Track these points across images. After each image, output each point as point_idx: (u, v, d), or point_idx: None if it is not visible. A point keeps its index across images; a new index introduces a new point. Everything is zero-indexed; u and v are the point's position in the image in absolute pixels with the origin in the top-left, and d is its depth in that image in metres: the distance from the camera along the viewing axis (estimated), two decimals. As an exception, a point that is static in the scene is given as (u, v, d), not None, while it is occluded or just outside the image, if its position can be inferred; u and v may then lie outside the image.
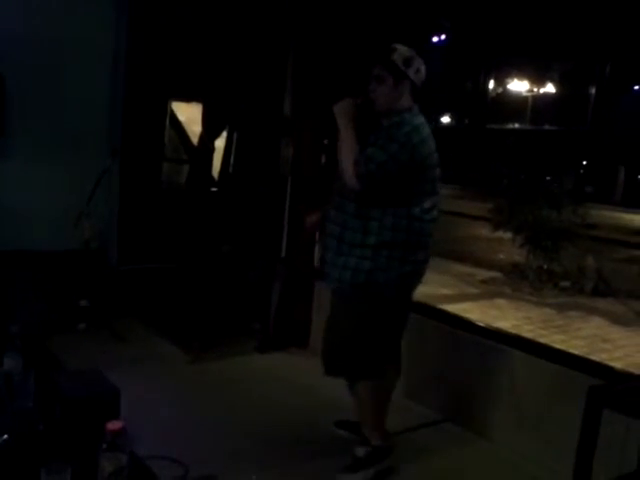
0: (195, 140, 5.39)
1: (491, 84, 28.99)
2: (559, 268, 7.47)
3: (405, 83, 2.74)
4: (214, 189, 5.27)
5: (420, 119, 2.76)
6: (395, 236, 2.69)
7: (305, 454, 3.01)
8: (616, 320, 6.06)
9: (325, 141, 4.30)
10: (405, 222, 2.70)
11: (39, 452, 1.74)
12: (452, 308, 4.91)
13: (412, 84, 2.76)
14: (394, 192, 2.69)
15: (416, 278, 2.87)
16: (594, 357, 4.20)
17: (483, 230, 9.60)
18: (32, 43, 4.18)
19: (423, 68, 2.79)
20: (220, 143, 5.20)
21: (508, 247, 8.30)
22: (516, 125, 28.05)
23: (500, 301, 6.65)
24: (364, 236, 2.70)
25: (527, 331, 5.32)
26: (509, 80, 28.40)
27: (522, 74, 27.68)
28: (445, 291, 6.85)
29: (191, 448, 2.80)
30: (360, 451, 2.91)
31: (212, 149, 5.23)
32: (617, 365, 4.05)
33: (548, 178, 8.57)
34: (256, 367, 4.05)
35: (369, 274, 2.70)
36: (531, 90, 27.83)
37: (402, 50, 2.76)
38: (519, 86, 28.20)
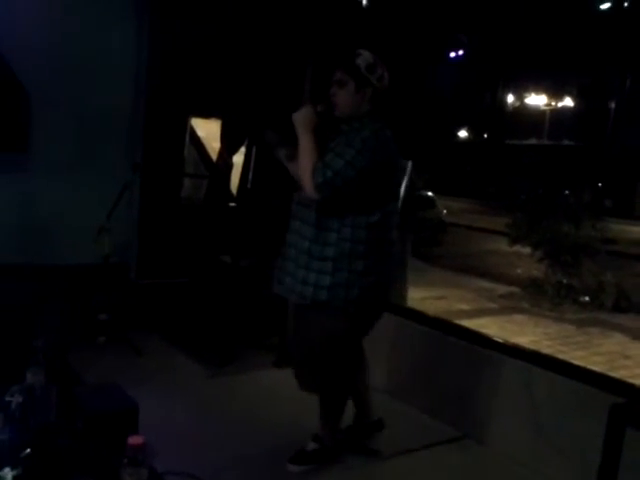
0: (214, 156, 5.44)
1: (509, 98, 28.96)
2: (578, 283, 7.42)
3: (367, 89, 2.68)
4: (232, 204, 5.31)
5: (379, 124, 2.69)
6: (354, 248, 2.62)
7: (323, 471, 3.00)
8: (637, 336, 5.99)
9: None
10: (364, 232, 2.63)
11: (61, 466, 1.76)
12: (470, 323, 4.89)
13: (374, 90, 2.69)
14: (353, 200, 2.62)
15: (381, 290, 2.79)
16: (614, 374, 4.15)
17: (501, 245, 9.56)
18: (55, 61, 4.25)
19: (386, 75, 2.72)
20: (239, 159, 5.24)
21: (526, 262, 8.27)
22: (534, 140, 27.96)
23: (518, 316, 6.62)
24: (323, 247, 2.64)
25: (546, 347, 5.29)
26: (527, 94, 28.36)
27: (540, 88, 27.64)
28: (463, 306, 6.83)
29: (209, 463, 2.81)
30: (311, 445, 3.00)
31: (231, 165, 5.27)
32: (638, 382, 4.01)
33: (566, 192, 8.54)
34: (274, 382, 4.05)
35: (330, 290, 2.62)
36: (549, 104, 27.76)
37: (366, 55, 2.69)
38: (537, 100, 28.14)
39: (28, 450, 1.80)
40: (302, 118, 2.68)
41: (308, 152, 2.61)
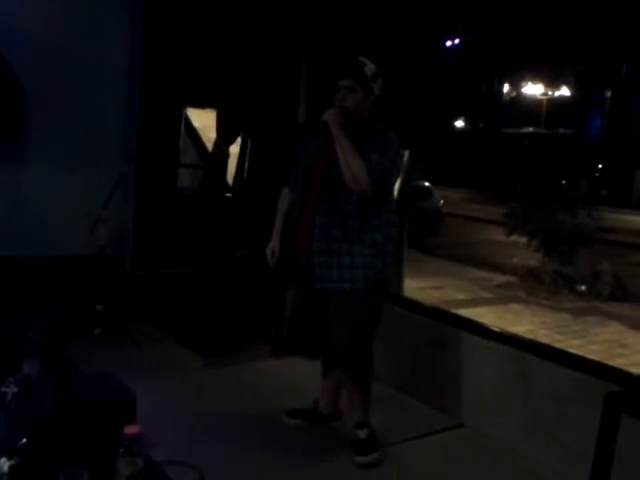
0: (210, 146, 5.43)
1: (505, 88, 28.91)
2: (575, 272, 7.44)
3: (370, 97, 2.93)
4: (228, 195, 5.30)
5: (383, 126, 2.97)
6: (391, 231, 2.96)
7: (320, 458, 3.01)
8: (634, 325, 6.01)
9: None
10: (394, 217, 2.99)
11: (57, 456, 1.76)
12: (467, 313, 4.90)
13: (373, 99, 2.94)
14: (384, 192, 2.91)
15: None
16: (611, 362, 4.17)
17: (498, 234, 9.57)
18: (49, 51, 4.22)
19: (381, 85, 2.97)
20: (235, 149, 5.23)
21: (523, 251, 8.27)
22: (531, 129, 27.94)
23: (515, 306, 6.63)
24: (368, 234, 2.88)
25: (543, 336, 5.31)
26: (523, 83, 28.32)
27: (536, 77, 27.59)
28: (460, 296, 6.84)
29: (206, 453, 2.82)
30: (362, 433, 3.06)
31: (227, 155, 5.26)
32: (635, 370, 4.02)
33: (563, 182, 8.54)
34: (271, 372, 4.06)
35: (380, 271, 2.91)
36: (546, 93, 27.72)
37: (370, 65, 2.93)
38: (534, 89, 28.10)
39: (24, 440, 1.80)
40: (335, 118, 2.82)
41: (351, 149, 2.77)
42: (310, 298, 3.05)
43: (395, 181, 3.02)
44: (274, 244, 3.19)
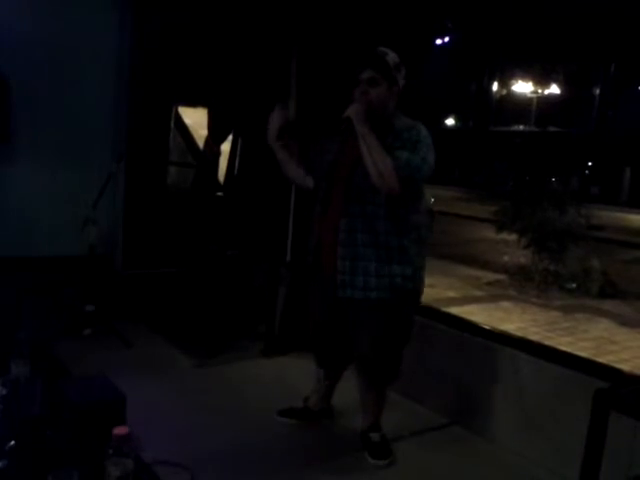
0: (201, 145, 5.41)
1: (495, 86, 28.98)
2: (565, 270, 7.46)
3: (394, 89, 2.76)
4: (219, 193, 5.28)
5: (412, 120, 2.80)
6: (420, 234, 2.81)
7: (311, 460, 3.00)
8: (623, 322, 6.04)
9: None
10: (423, 217, 2.84)
11: (46, 458, 1.75)
12: (457, 310, 4.91)
13: (398, 90, 2.78)
14: (413, 192, 2.75)
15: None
16: (601, 359, 4.19)
17: (488, 232, 9.59)
18: (36, 49, 4.19)
19: (405, 74, 2.82)
20: (226, 147, 5.21)
21: (513, 249, 8.30)
22: (521, 127, 28.03)
23: (505, 303, 6.65)
24: (399, 238, 2.74)
25: (533, 333, 5.32)
26: (513, 81, 28.39)
27: (526, 75, 27.67)
28: (450, 293, 6.86)
29: (196, 453, 2.81)
30: (376, 436, 3.03)
31: (218, 153, 5.24)
32: (624, 367, 4.04)
33: (553, 179, 8.57)
34: (262, 371, 4.05)
35: (410, 278, 2.78)
36: (536, 91, 27.81)
37: (392, 55, 2.76)
38: (523, 87, 28.18)
39: (13, 442, 1.79)
40: (359, 114, 2.64)
41: (379, 147, 2.60)
42: (333, 306, 2.90)
43: (426, 179, 2.77)
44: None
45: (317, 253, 2.89)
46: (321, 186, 2.89)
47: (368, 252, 2.71)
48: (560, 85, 26.81)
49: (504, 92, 28.87)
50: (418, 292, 2.89)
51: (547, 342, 4.71)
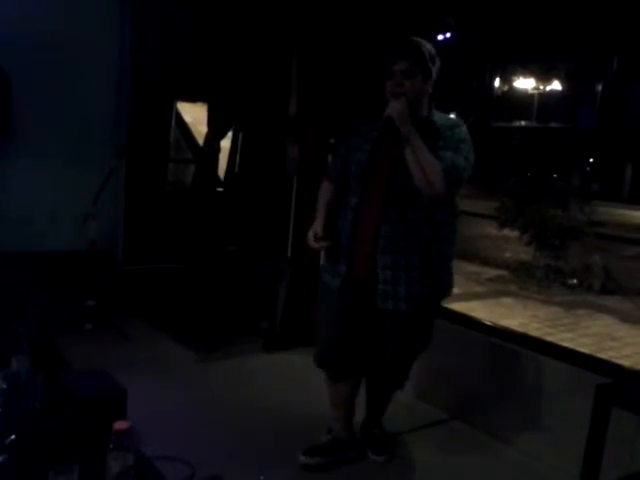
0: (201, 140, 5.40)
1: (497, 82, 28.90)
2: (566, 266, 7.44)
3: (430, 82, 2.55)
4: (220, 189, 5.28)
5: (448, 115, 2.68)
6: (454, 239, 2.68)
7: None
8: (624, 318, 6.02)
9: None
10: (456, 221, 2.69)
11: (47, 452, 1.75)
12: (459, 307, 4.88)
13: (432, 84, 2.57)
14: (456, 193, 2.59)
15: None
16: (602, 355, 4.18)
17: (490, 228, 9.58)
18: (37, 44, 4.18)
19: (439, 67, 2.60)
20: (226, 143, 5.20)
21: (515, 245, 8.29)
22: (522, 123, 27.96)
23: (507, 299, 6.63)
24: (440, 243, 2.58)
25: (534, 329, 5.30)
26: (515, 78, 28.30)
27: (528, 71, 27.58)
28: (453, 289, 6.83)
29: (197, 448, 2.81)
30: (379, 433, 3.04)
31: (218, 149, 5.23)
32: (625, 363, 4.03)
33: (555, 176, 8.55)
34: (263, 367, 4.05)
35: (448, 285, 2.70)
36: (537, 87, 27.72)
37: (428, 46, 2.54)
38: (525, 83, 28.09)
39: (13, 437, 1.79)
40: (403, 113, 2.42)
41: (426, 150, 2.39)
42: (362, 319, 2.67)
43: (466, 180, 2.54)
44: (317, 227, 2.68)
45: (350, 262, 2.63)
46: (354, 189, 2.63)
47: (412, 260, 2.52)
48: (562, 81, 26.73)
49: (505, 88, 28.79)
50: (448, 295, 2.79)
51: (548, 338, 4.69)
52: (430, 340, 2.83)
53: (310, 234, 2.68)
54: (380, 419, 3.06)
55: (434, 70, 2.54)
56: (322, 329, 2.82)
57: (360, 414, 3.07)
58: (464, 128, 2.54)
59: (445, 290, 2.70)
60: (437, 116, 2.57)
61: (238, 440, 3.04)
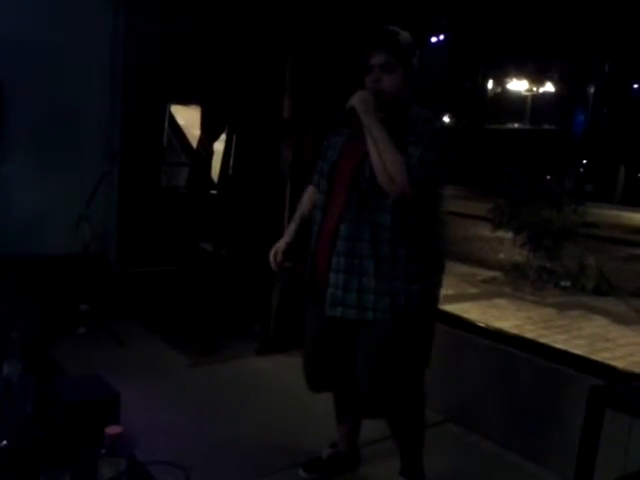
0: (194, 143, 5.39)
1: (490, 84, 28.99)
2: (560, 267, 7.47)
3: (410, 75, 2.35)
4: (213, 192, 5.27)
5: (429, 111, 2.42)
6: (436, 245, 2.40)
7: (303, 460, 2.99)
8: (618, 319, 6.05)
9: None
10: (442, 227, 2.45)
11: (38, 458, 1.73)
12: (453, 308, 4.89)
13: (414, 76, 2.37)
14: (429, 195, 2.32)
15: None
16: (596, 357, 4.19)
17: (483, 230, 9.60)
18: (29, 47, 4.17)
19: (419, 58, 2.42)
20: (219, 146, 5.20)
21: (509, 247, 8.31)
22: (515, 125, 28.05)
23: (501, 301, 6.65)
24: (407, 249, 2.28)
25: (528, 331, 5.32)
26: (508, 80, 28.39)
27: (521, 73, 27.67)
28: (446, 291, 6.80)
29: (191, 453, 2.80)
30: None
31: (211, 152, 5.22)
32: (619, 364, 4.05)
33: (548, 177, 8.57)
34: (257, 370, 4.04)
35: (415, 296, 2.32)
36: (530, 89, 27.82)
37: (404, 34, 2.33)
38: (518, 85, 28.18)
39: (4, 442, 1.77)
40: (365, 103, 2.23)
41: (388, 142, 2.18)
42: (325, 329, 2.48)
43: (444, 181, 2.36)
44: (280, 245, 2.57)
45: (313, 266, 2.46)
46: (321, 188, 2.46)
47: (367, 265, 2.27)
48: (555, 83, 26.83)
49: (499, 90, 28.88)
50: (429, 311, 2.44)
51: (542, 339, 4.70)
52: (419, 364, 2.55)
53: (271, 252, 2.57)
54: (407, 465, 2.74)
55: (415, 61, 2.35)
56: (305, 339, 2.69)
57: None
58: (440, 126, 2.37)
59: (413, 302, 2.32)
60: (412, 110, 2.34)
61: (232, 444, 3.03)
